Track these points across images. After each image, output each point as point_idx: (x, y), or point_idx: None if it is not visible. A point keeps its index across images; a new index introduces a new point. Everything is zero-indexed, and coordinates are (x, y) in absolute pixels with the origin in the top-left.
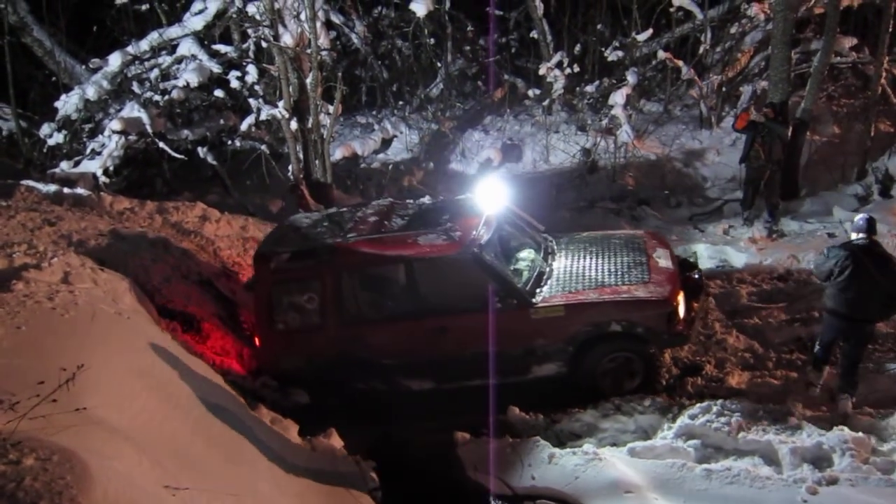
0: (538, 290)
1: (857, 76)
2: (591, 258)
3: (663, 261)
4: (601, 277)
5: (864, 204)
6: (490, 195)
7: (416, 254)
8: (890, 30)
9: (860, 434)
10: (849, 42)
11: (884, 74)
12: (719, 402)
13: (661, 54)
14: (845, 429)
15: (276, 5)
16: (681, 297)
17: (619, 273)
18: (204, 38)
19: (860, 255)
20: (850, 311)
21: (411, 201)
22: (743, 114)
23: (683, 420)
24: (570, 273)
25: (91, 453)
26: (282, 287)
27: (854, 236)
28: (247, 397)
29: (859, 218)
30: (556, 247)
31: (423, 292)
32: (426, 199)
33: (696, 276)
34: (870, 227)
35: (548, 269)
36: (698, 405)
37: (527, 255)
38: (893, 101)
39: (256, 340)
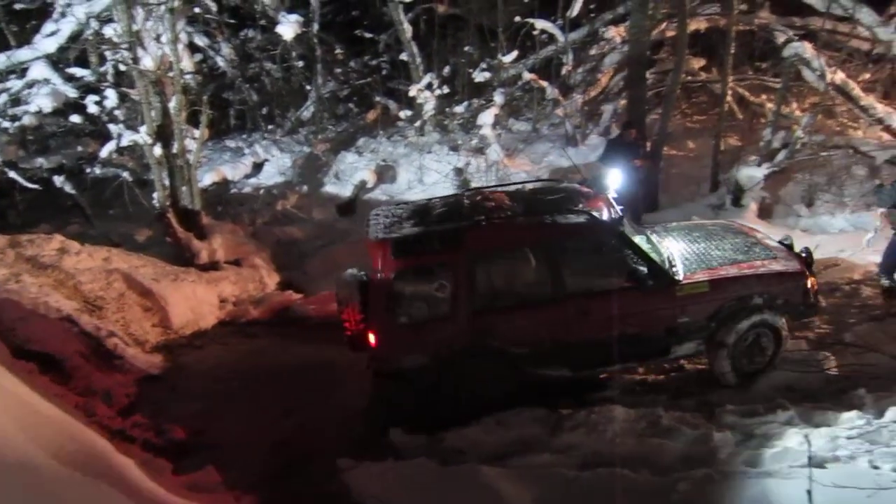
0: (674, 269)
1: (707, 94)
2: (702, 241)
3: (770, 241)
4: (730, 255)
5: (720, 212)
6: (596, 182)
7: (557, 234)
8: (733, 51)
9: (727, 433)
10: (698, 63)
11: (729, 92)
12: (596, 409)
13: (527, 75)
14: (713, 427)
15: (135, 27)
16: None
17: (744, 250)
18: (58, 60)
19: None
20: None
21: (512, 187)
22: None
23: (562, 431)
24: (694, 254)
25: None
26: (407, 276)
27: None
28: (115, 438)
29: None
30: (656, 235)
31: (563, 275)
32: (528, 184)
33: (805, 255)
34: None
35: (667, 252)
36: (576, 415)
37: (642, 238)
38: (739, 117)
39: (371, 337)
